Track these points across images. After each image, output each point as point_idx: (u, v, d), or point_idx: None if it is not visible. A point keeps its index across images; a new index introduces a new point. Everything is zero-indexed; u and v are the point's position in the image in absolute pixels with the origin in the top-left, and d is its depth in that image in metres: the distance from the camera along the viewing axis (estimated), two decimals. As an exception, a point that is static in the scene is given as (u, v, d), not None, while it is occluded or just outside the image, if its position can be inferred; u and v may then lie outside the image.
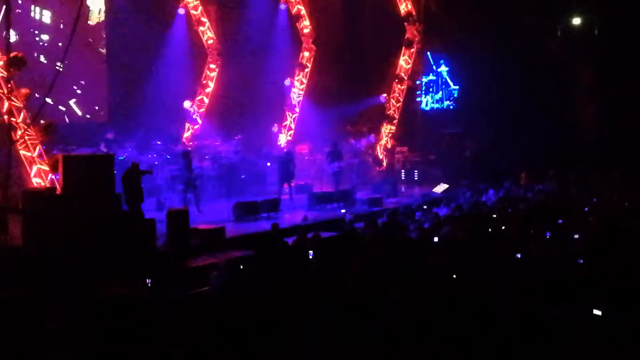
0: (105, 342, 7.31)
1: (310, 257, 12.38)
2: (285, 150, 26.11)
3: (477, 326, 7.40)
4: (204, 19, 29.21)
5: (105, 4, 26.50)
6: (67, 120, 25.22)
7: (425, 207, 20.07)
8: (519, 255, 10.78)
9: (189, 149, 22.64)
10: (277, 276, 10.28)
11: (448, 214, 17.85)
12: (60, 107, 24.92)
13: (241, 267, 12.15)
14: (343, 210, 20.63)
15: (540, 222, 15.05)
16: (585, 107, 28.72)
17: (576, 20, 28.77)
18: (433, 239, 13.20)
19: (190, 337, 7.58)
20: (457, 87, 31.10)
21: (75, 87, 25.87)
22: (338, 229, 17.32)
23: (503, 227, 14.94)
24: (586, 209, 18.28)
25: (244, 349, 7.21)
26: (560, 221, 15.68)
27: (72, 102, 25.58)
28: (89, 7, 25.76)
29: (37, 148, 17.62)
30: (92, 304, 8.81)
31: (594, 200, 20.14)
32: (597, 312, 8.16)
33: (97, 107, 26.81)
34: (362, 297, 8.51)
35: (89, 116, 26.28)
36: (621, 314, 8.21)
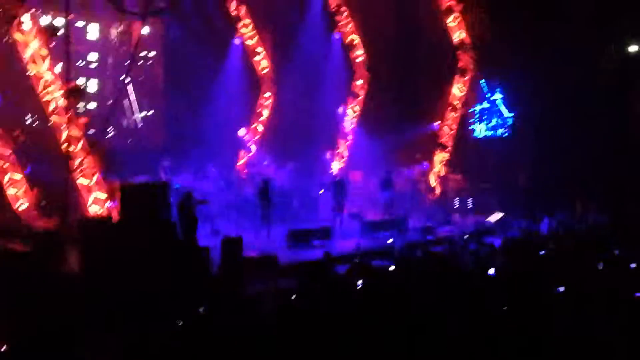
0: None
1: (359, 286, 12.36)
2: (337, 177, 26.11)
3: None
4: (259, 49, 29.58)
5: (162, 34, 27.11)
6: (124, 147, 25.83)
7: (475, 237, 19.86)
8: (561, 289, 10.62)
9: (268, 177, 22.92)
10: (327, 307, 10.30)
11: (502, 244, 17.68)
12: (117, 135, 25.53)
13: (293, 296, 12.17)
14: (390, 240, 20.47)
15: (594, 253, 14.83)
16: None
17: (632, 48, 28.36)
18: (488, 271, 13.09)
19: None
20: (511, 114, 30.84)
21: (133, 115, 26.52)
22: (390, 258, 17.27)
23: (556, 259, 14.75)
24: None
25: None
26: (617, 252, 15.43)
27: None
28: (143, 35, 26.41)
29: (95, 176, 17.97)
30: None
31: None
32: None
33: (154, 135, 27.34)
34: (419, 330, 8.49)
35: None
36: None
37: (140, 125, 26.84)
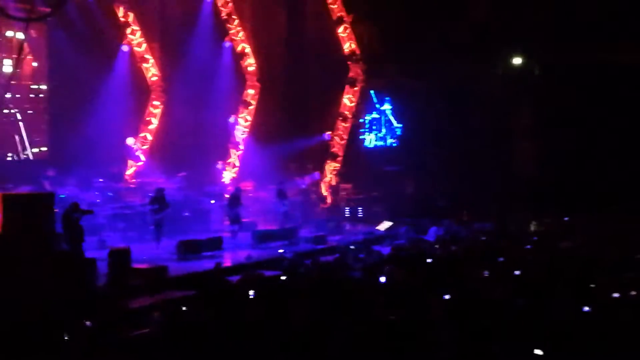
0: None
1: (252, 296, 12.29)
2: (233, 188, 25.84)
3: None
4: (148, 56, 29.14)
5: (48, 40, 26.39)
6: (6, 157, 25.05)
7: (364, 246, 20.13)
8: (447, 297, 10.82)
9: (162, 187, 22.46)
10: (219, 317, 10.19)
11: (390, 253, 17.93)
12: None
13: (183, 307, 11.99)
14: (281, 250, 20.51)
15: (479, 261, 15.20)
16: (523, 148, 29.24)
17: (517, 61, 29.31)
18: (378, 279, 13.22)
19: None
20: (400, 125, 31.35)
21: (14, 124, 25.74)
22: (282, 268, 17.25)
23: (443, 266, 15.03)
24: (528, 247, 18.51)
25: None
26: (501, 259, 15.86)
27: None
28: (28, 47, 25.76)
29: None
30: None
31: (534, 239, 20.41)
32: (538, 352, 8.24)
33: (37, 144, 26.55)
34: (306, 341, 8.48)
35: (29, 153, 26.06)
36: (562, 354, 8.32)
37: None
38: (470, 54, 27.97)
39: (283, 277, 14.49)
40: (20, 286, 13.48)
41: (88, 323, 10.94)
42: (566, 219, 24.35)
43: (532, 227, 23.46)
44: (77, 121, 25.53)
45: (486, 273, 13.44)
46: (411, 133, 30.71)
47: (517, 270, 13.73)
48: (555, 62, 27.78)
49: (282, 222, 24.66)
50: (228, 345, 8.80)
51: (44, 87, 27.05)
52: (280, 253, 19.85)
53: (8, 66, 25.53)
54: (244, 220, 24.13)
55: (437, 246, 19.29)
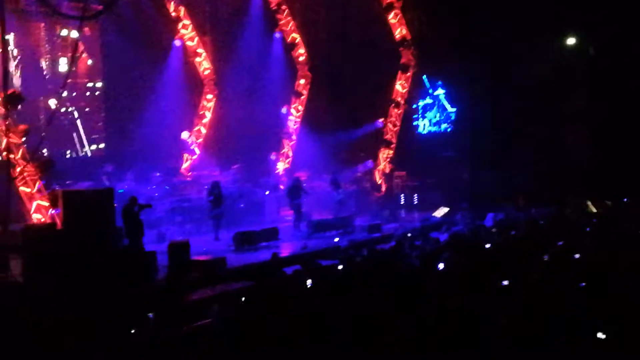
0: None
1: (309, 286, 12.34)
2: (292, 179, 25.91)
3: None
4: (200, 50, 29.35)
5: (101, 38, 26.79)
6: (65, 155, 25.51)
7: (421, 233, 20.07)
8: (505, 283, 10.70)
9: (218, 180, 22.83)
10: (277, 308, 10.24)
11: (448, 239, 17.81)
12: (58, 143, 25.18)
13: (242, 299, 12.11)
14: (336, 239, 20.55)
15: (538, 245, 15.01)
16: (578, 130, 28.66)
17: (571, 41, 28.76)
18: (436, 266, 13.15)
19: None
20: (454, 109, 31.03)
21: (72, 122, 26.23)
22: (338, 257, 17.29)
23: (501, 252, 14.88)
24: (587, 229, 18.22)
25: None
26: (560, 243, 15.65)
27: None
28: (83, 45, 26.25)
29: (37, 184, 17.61)
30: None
31: (594, 221, 20.07)
32: (600, 335, 8.13)
33: (95, 142, 27.04)
34: (363, 332, 8.48)
35: (86, 150, 26.55)
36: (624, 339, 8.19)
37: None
38: (523, 35, 27.52)
39: (340, 267, 14.50)
40: (82, 280, 13.74)
41: (150, 315, 11.13)
42: (625, 200, 23.88)
43: (591, 210, 23.06)
44: (133, 117, 25.88)
45: (546, 257, 13.27)
46: (465, 117, 30.38)
47: (577, 253, 13.54)
48: (609, 42, 27.14)
49: (337, 211, 24.71)
50: (287, 336, 8.84)
51: (99, 84, 27.56)
52: (336, 242, 19.89)
53: (64, 65, 26.07)
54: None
55: (494, 231, 19.11)
